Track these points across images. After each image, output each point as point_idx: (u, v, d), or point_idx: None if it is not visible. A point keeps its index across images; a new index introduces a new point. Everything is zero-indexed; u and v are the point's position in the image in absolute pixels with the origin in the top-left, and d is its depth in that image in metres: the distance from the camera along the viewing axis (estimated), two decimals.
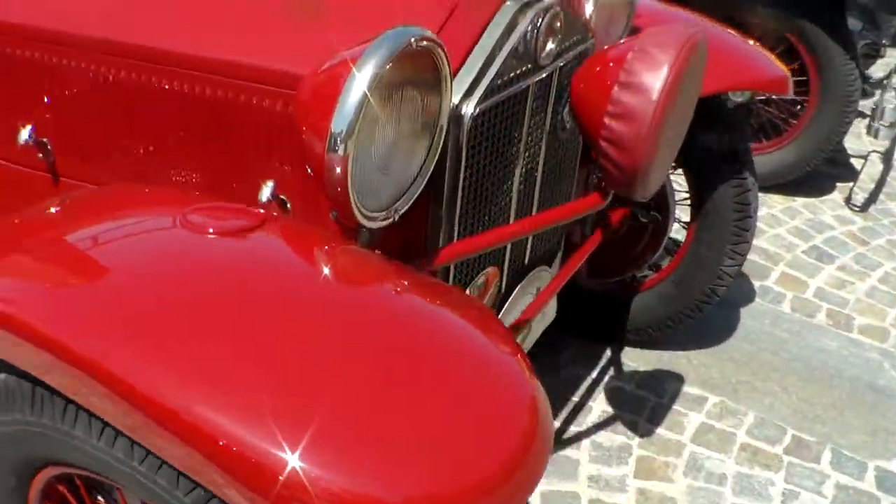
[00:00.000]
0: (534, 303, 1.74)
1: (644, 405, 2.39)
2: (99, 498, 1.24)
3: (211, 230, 1.05)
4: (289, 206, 1.31)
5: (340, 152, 1.06)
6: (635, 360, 2.57)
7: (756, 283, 3.02)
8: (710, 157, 2.25)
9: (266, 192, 1.28)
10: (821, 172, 3.70)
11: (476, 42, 1.35)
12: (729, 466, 2.19)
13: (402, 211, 1.25)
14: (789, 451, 2.25)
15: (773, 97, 3.44)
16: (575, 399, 2.38)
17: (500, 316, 1.67)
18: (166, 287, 0.99)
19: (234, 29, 1.38)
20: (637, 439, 2.25)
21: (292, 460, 0.81)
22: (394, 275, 1.10)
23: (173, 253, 1.05)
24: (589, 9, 1.75)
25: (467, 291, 1.51)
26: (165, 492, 0.97)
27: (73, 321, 0.96)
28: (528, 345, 1.86)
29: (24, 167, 1.61)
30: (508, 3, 1.40)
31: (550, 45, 1.48)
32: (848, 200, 3.61)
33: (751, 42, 2.23)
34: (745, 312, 2.85)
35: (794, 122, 3.48)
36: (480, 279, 1.56)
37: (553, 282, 1.81)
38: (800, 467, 2.20)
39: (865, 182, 3.73)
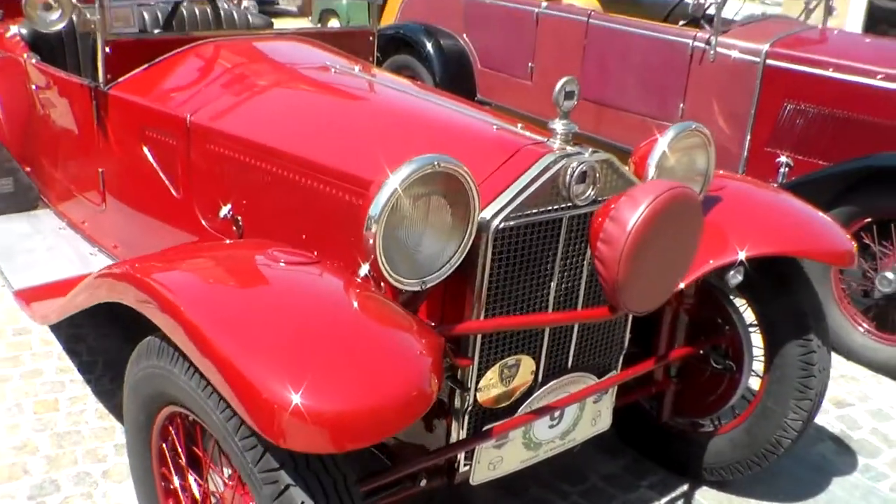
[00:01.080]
0: (563, 398, 2.12)
1: None
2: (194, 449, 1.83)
3: (282, 262, 1.66)
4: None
5: (372, 230, 1.62)
6: (705, 496, 2.77)
7: (862, 460, 3.07)
8: (778, 318, 2.52)
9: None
10: None
11: (518, 178, 1.87)
12: None
13: (430, 284, 1.76)
14: None
15: None
16: None
17: (531, 400, 2.07)
18: (248, 290, 1.62)
19: (345, 147, 2.05)
20: None
21: (284, 394, 1.36)
22: (375, 301, 1.65)
23: (261, 271, 1.70)
24: (651, 172, 2.20)
25: (496, 367, 1.96)
26: (222, 425, 1.54)
27: (192, 303, 1.58)
28: (575, 437, 2.24)
29: (220, 234, 2.34)
30: (551, 153, 1.91)
31: (586, 190, 1.96)
32: None
33: (821, 214, 2.52)
34: (839, 482, 2.93)
35: None
36: (511, 361, 2.00)
37: (588, 388, 2.18)
38: None
39: None
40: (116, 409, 3.00)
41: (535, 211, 1.89)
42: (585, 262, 2.06)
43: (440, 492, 2.21)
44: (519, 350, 2.02)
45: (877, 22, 6.75)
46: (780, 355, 2.52)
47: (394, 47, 6.18)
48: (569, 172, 1.92)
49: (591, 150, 1.97)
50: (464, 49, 5.85)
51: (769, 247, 2.33)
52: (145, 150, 2.81)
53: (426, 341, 1.58)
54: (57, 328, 3.60)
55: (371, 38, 3.57)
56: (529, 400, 2.08)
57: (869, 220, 3.66)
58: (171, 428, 1.89)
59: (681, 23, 4.72)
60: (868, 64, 3.98)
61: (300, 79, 2.71)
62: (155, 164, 2.78)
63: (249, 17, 3.92)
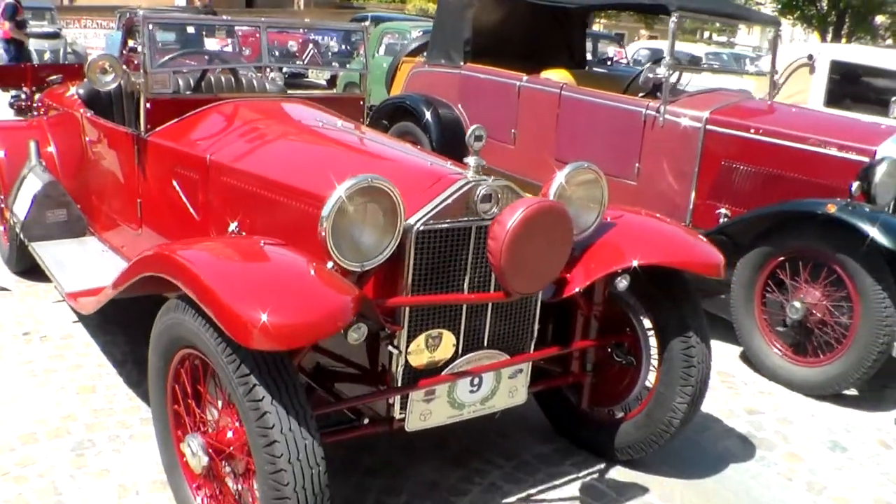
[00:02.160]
0: (479, 366, 2.78)
1: (607, 500, 3.18)
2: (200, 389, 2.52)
3: (262, 244, 2.38)
4: None
5: (325, 225, 2.33)
6: (618, 473, 3.36)
7: (760, 452, 3.65)
8: (666, 321, 3.16)
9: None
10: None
11: (437, 195, 2.59)
12: None
13: (368, 268, 2.46)
14: None
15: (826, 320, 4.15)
16: (558, 487, 3.24)
17: (452, 366, 2.73)
18: (235, 257, 2.37)
19: (314, 175, 2.78)
20: None
21: (252, 314, 2.06)
22: (320, 267, 2.35)
23: (255, 245, 2.42)
24: (551, 198, 2.90)
25: (422, 336, 2.64)
26: (215, 349, 2.23)
27: (197, 264, 2.30)
28: (494, 404, 2.87)
29: None
30: (463, 179, 2.63)
31: (491, 208, 2.66)
32: None
33: (699, 237, 3.19)
34: (735, 466, 3.50)
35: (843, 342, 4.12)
36: (435, 332, 2.67)
37: (501, 362, 2.84)
38: None
39: None
40: (143, 394, 3.68)
41: (449, 220, 2.59)
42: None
43: (384, 437, 2.86)
44: (441, 325, 2.69)
45: (838, 98, 7.46)
46: (668, 350, 3.15)
47: (399, 115, 6.99)
48: (477, 193, 2.63)
49: (493, 178, 2.68)
50: (458, 118, 6.63)
51: (653, 258, 2.98)
52: (174, 183, 3.58)
53: (349, 291, 2.28)
54: (95, 335, 4.34)
55: (361, 103, 4.35)
56: (451, 366, 2.74)
57: (782, 258, 4.31)
58: (181, 370, 2.58)
59: (640, 94, 5.45)
60: (788, 129, 4.70)
61: (293, 129, 3.50)
62: (182, 194, 3.54)
63: (267, 84, 4.73)
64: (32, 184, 4.34)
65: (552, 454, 3.49)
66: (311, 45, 18.83)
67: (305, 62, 13.47)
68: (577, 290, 2.97)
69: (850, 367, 4.06)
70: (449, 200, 2.59)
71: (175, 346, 2.54)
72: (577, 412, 3.46)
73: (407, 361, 2.65)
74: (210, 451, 2.48)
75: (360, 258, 2.46)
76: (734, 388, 4.30)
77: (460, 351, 2.77)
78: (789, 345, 4.34)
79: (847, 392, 4.27)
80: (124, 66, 3.58)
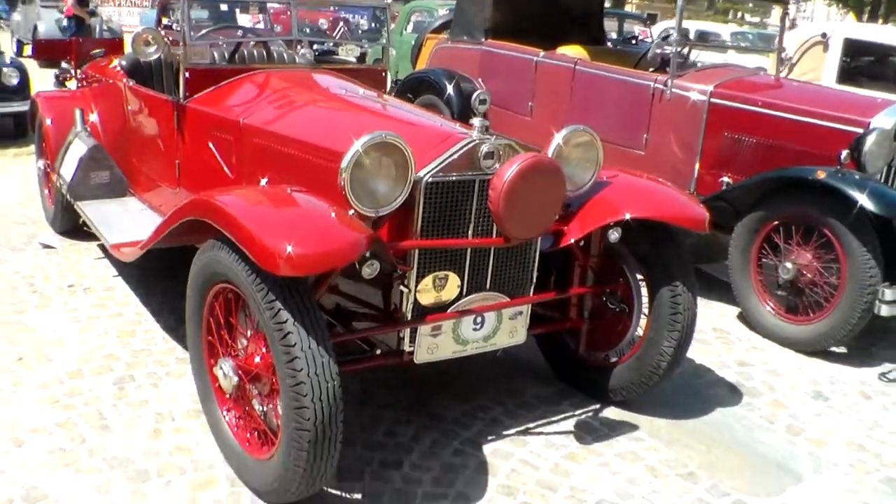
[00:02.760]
0: (482, 306, 3.09)
1: (600, 434, 3.49)
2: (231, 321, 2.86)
3: (289, 190, 2.71)
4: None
5: (344, 176, 2.65)
6: (611, 412, 3.67)
7: (746, 399, 3.94)
8: (654, 271, 3.45)
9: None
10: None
11: (445, 152, 2.90)
12: (628, 469, 3.23)
13: (382, 214, 2.78)
14: (681, 476, 3.23)
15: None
16: (555, 423, 3.56)
17: (457, 305, 3.05)
18: (265, 200, 2.71)
19: (336, 135, 3.09)
20: (579, 445, 3.38)
21: (278, 246, 2.40)
22: (339, 210, 2.66)
23: (281, 192, 2.75)
24: (551, 152, 3.19)
25: (430, 276, 2.95)
26: (246, 279, 2.57)
27: (233, 206, 2.63)
28: (495, 342, 3.18)
29: None
30: (468, 138, 2.93)
31: (493, 164, 2.96)
32: (883, 374, 4.34)
33: (686, 194, 3.46)
34: (720, 410, 3.79)
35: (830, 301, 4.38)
36: (442, 274, 2.99)
37: (502, 303, 3.15)
38: (681, 485, 3.17)
39: None
40: (178, 338, 4.05)
41: (455, 174, 2.90)
42: None
43: (397, 377, 3.19)
44: (447, 268, 3.00)
45: (851, 75, 7.64)
46: (657, 298, 3.44)
47: (424, 88, 7.28)
48: (480, 151, 2.93)
49: (496, 137, 2.98)
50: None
51: (644, 213, 3.26)
52: (210, 145, 3.92)
53: (363, 230, 2.60)
54: (135, 288, 4.72)
55: (383, 74, 4.66)
56: (456, 305, 3.06)
57: (776, 222, 4.57)
58: (215, 304, 2.92)
59: (651, 69, 5.70)
60: (788, 102, 4.94)
61: (318, 96, 3.82)
62: (217, 155, 3.88)
63: (297, 57, 5.04)
64: (78, 148, 4.71)
65: (552, 395, 3.80)
66: (341, 23, 19.19)
67: (337, 38, 13.90)
68: (572, 240, 3.27)
69: (837, 325, 4.31)
70: (455, 156, 2.89)
71: (211, 281, 2.88)
72: (575, 357, 3.77)
73: (416, 299, 2.97)
74: (239, 372, 2.83)
75: (375, 206, 2.78)
76: (728, 344, 4.58)
77: (465, 292, 3.08)
78: (782, 305, 4.60)
79: (836, 349, 4.53)
80: (165, 39, 3.92)
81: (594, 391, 3.74)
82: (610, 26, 12.91)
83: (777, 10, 7.10)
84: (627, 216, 3.25)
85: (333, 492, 2.97)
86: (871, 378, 4.29)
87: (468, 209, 2.97)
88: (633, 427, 3.57)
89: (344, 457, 3.10)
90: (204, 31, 4.29)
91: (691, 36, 8.60)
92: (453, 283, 3.04)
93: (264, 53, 4.89)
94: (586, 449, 3.37)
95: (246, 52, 4.68)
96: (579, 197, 3.32)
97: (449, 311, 3.04)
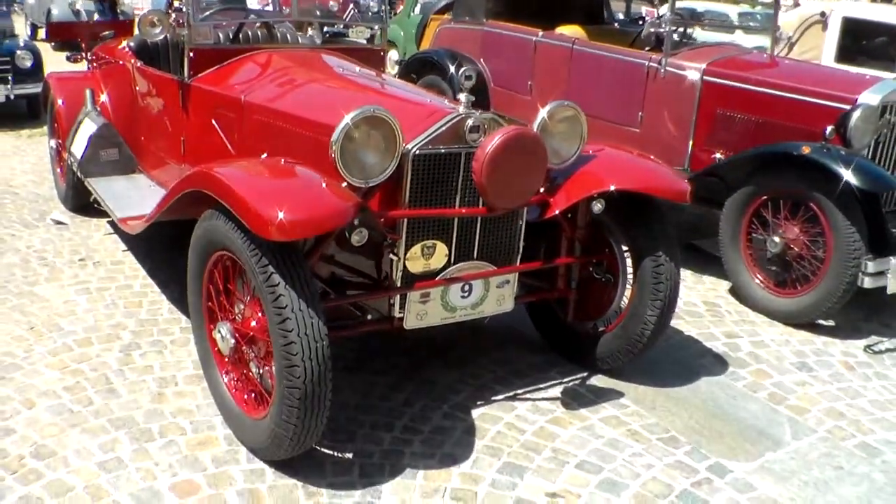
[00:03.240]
0: (470, 274, 3.23)
1: (585, 400, 3.63)
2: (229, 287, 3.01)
3: (283, 161, 2.85)
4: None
5: (335, 148, 2.78)
6: (598, 380, 3.80)
7: (731, 369, 4.06)
8: (638, 241, 3.57)
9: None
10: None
11: (432, 125, 3.03)
12: (611, 433, 3.37)
13: (371, 184, 2.91)
14: (662, 440, 3.37)
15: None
16: (542, 390, 3.70)
17: (445, 272, 3.19)
18: (261, 171, 2.87)
19: (329, 111, 3.22)
20: (565, 411, 3.52)
21: (270, 212, 2.54)
22: (330, 181, 2.80)
23: (276, 163, 2.89)
24: (536, 125, 3.31)
25: (419, 245, 3.09)
26: (242, 246, 2.71)
27: (229, 176, 2.78)
28: (483, 310, 3.31)
29: None
30: (455, 113, 3.06)
31: (479, 137, 3.08)
32: (869, 346, 4.44)
33: (668, 167, 3.58)
34: (706, 379, 3.91)
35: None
36: (430, 243, 3.12)
37: (488, 271, 3.28)
38: (661, 449, 3.31)
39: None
40: (183, 309, 4.19)
41: (443, 147, 3.03)
42: None
43: (392, 345, 3.33)
44: (435, 237, 3.14)
45: (850, 54, 7.69)
46: (640, 268, 3.56)
47: (427, 69, 7.39)
48: (466, 125, 3.06)
49: (480, 111, 3.11)
50: (481, 72, 7.02)
51: (626, 184, 3.38)
52: (213, 122, 4.06)
53: (351, 199, 2.74)
54: (142, 261, 4.89)
55: (382, 54, 4.78)
56: (444, 273, 3.20)
57: (765, 197, 4.67)
58: (215, 271, 3.07)
59: (647, 48, 5.79)
60: (778, 79, 5.03)
61: (316, 74, 3.95)
62: (220, 132, 4.02)
63: (300, 38, 5.17)
64: (88, 127, 4.87)
65: (542, 364, 3.94)
66: (351, 5, 19.27)
67: (347, 20, 13.98)
68: (557, 211, 3.40)
69: (822, 297, 4.42)
70: (442, 129, 3.02)
71: (210, 249, 3.03)
72: (565, 326, 3.90)
73: (405, 267, 3.11)
74: (236, 335, 2.98)
75: (365, 177, 2.91)
76: (718, 317, 4.70)
77: (452, 260, 3.22)
78: (771, 278, 4.71)
79: (824, 322, 4.64)
80: (170, 20, 4.06)
81: (582, 360, 3.87)
82: (619, 7, 12.99)
83: None
84: (612, 188, 3.37)
85: (326, 451, 3.12)
86: (857, 350, 4.40)
87: (455, 180, 3.10)
88: (619, 394, 3.70)
89: (337, 419, 3.29)
90: (209, 13, 4.42)
91: (700, 17, 8.70)
92: (441, 252, 3.17)
93: (268, 34, 5.02)
94: (571, 414, 3.51)
95: (250, 33, 4.81)
96: (564, 170, 3.44)
97: (437, 278, 3.18)
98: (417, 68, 7.54)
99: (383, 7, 4.96)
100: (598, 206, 3.44)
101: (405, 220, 3.04)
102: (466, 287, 3.26)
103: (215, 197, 2.82)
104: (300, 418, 2.71)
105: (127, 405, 3.39)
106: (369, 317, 3.18)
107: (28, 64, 8.11)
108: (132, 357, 3.79)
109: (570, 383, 3.77)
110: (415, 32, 8.47)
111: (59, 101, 5.32)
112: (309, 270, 2.73)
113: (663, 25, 5.42)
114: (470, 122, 3.06)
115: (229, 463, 3.05)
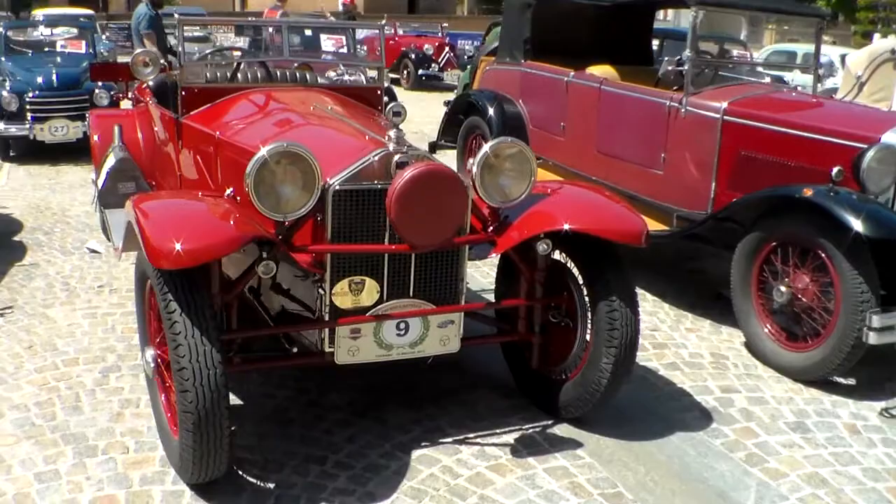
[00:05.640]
0: (402, 311, 3.16)
1: (538, 449, 3.47)
2: None
3: (200, 194, 2.93)
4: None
5: (249, 181, 2.82)
6: (561, 430, 3.62)
7: (715, 426, 3.77)
8: (594, 286, 3.41)
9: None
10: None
11: (356, 161, 3.02)
12: (550, 485, 3.20)
13: (289, 219, 2.93)
14: (605, 496, 3.17)
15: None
16: (496, 435, 3.57)
17: (376, 309, 3.14)
18: (178, 205, 2.93)
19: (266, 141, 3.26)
20: (511, 458, 3.38)
21: (165, 245, 2.61)
22: (240, 212, 2.82)
23: (194, 195, 2.96)
24: (475, 169, 3.24)
25: (346, 280, 3.06)
26: (155, 277, 2.77)
27: (143, 209, 2.85)
28: (424, 349, 3.23)
29: None
30: (382, 148, 3.05)
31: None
32: (886, 409, 4.06)
33: (625, 207, 3.42)
34: (682, 435, 3.64)
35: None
36: (358, 279, 3.10)
37: (425, 310, 3.21)
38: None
39: None
40: None
41: (366, 182, 3.02)
42: None
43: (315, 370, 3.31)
44: (364, 273, 3.10)
45: None
46: (596, 313, 3.40)
47: (471, 110, 7.42)
48: (393, 161, 3.03)
49: (408, 147, 3.07)
50: (519, 112, 6.96)
51: (577, 225, 3.23)
52: (198, 158, 4.20)
53: (249, 226, 2.77)
54: None
55: (378, 92, 4.82)
56: (375, 309, 3.16)
57: (774, 243, 4.38)
58: (152, 299, 3.15)
59: (674, 87, 5.60)
60: (798, 119, 4.75)
61: (283, 111, 4.07)
62: (203, 167, 4.15)
63: (297, 74, 5.23)
64: (110, 161, 5.12)
65: (506, 408, 3.80)
66: (447, 48, 19.59)
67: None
68: (503, 251, 3.31)
69: (830, 354, 4.07)
70: (365, 165, 3.01)
71: (144, 278, 3.11)
72: (533, 371, 3.76)
73: (332, 302, 3.09)
74: (158, 360, 3.04)
75: (284, 210, 2.93)
76: (721, 370, 4.40)
77: (385, 297, 3.17)
78: (781, 330, 4.40)
79: (842, 381, 4.28)
80: (162, 60, 4.25)
81: (548, 407, 3.72)
82: (710, 48, 12.61)
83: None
84: (565, 227, 3.25)
85: (249, 479, 3.12)
86: (870, 413, 4.01)
87: (382, 217, 3.07)
88: (577, 444, 3.52)
89: (274, 449, 3.29)
90: (205, 53, 4.61)
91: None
92: (372, 288, 3.13)
93: (266, 73, 5.11)
94: (516, 462, 3.36)
95: (248, 73, 4.96)
96: (515, 207, 3.35)
97: (367, 315, 3.14)
98: (464, 109, 7.58)
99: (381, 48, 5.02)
100: (542, 247, 3.32)
101: (329, 255, 3.03)
102: (402, 325, 3.20)
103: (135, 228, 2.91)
104: (197, 443, 2.73)
105: (84, 422, 3.52)
106: (295, 350, 3.17)
107: (105, 102, 8.64)
108: (108, 378, 3.93)
109: (530, 430, 3.62)
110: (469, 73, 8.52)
111: (95, 137, 5.63)
112: (206, 299, 2.75)
113: (685, 63, 5.22)
114: (398, 158, 3.03)
115: (155, 483, 3.11)
